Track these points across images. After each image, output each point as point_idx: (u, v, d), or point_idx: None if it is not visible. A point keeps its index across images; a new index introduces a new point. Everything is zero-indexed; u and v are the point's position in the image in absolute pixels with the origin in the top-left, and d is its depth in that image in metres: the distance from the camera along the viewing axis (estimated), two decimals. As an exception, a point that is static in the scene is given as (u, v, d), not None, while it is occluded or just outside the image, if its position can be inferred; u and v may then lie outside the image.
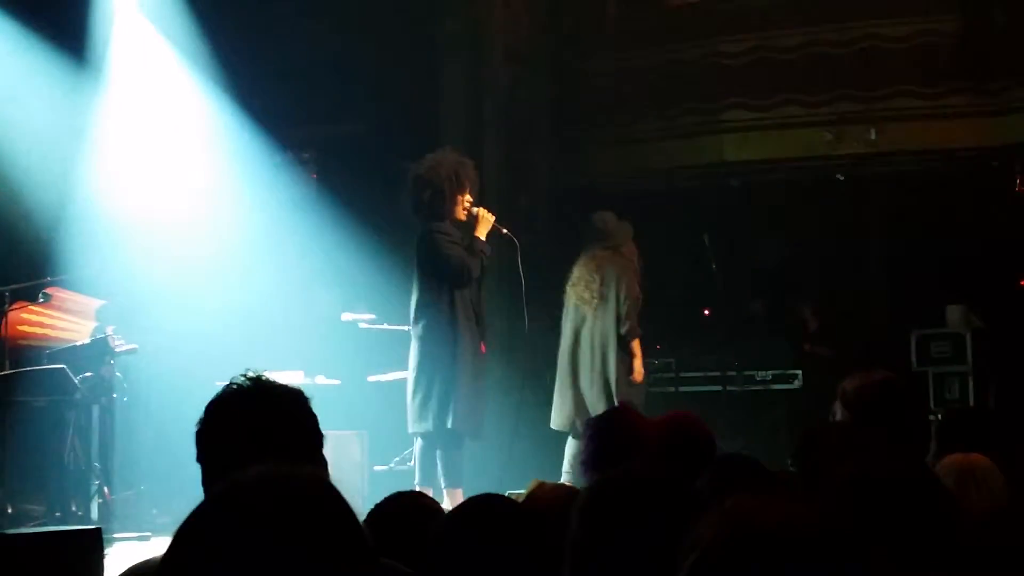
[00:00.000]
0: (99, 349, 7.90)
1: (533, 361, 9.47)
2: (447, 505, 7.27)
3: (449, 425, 7.46)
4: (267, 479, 1.36)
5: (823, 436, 3.65)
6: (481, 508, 2.50)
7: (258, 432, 2.45)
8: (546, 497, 3.14)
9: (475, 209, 7.54)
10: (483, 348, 7.49)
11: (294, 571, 1.28)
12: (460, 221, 7.55)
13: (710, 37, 11.47)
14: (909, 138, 10.99)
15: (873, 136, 10.92)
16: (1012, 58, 10.66)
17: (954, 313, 10.22)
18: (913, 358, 10.14)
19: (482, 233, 7.52)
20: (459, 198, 7.50)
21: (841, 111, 11.04)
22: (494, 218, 7.57)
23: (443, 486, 7.38)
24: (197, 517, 1.35)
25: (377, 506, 3.05)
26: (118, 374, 8.06)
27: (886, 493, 2.59)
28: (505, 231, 7.63)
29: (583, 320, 8.63)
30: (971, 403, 9.69)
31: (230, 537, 1.29)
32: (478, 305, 7.50)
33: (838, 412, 4.37)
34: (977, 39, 10.73)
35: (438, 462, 7.41)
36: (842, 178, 11.49)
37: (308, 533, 1.30)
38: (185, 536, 1.34)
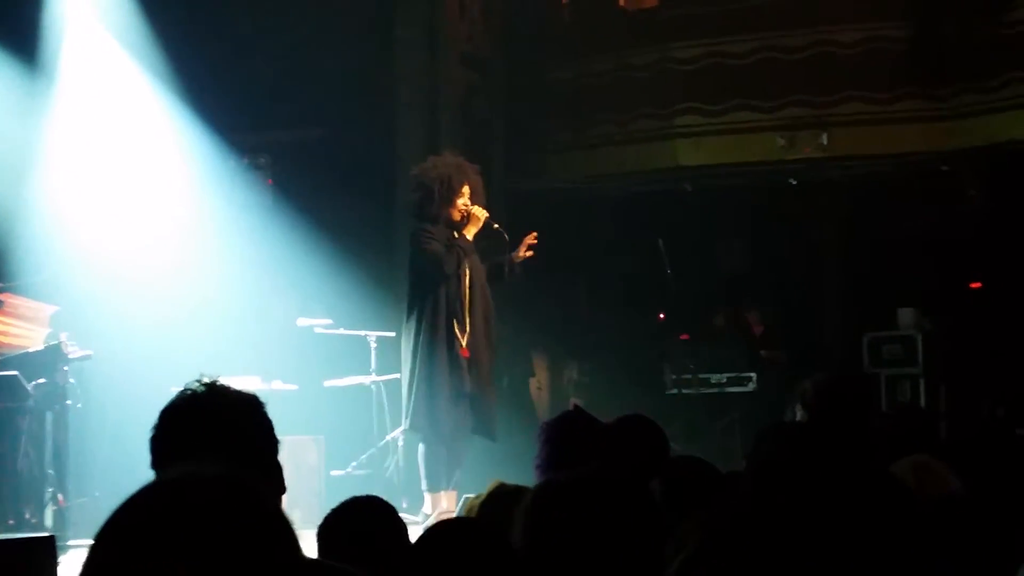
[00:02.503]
0: (52, 355, 7.83)
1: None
2: (427, 510, 7.29)
3: (407, 426, 7.57)
4: (179, 482, 1.36)
5: (778, 435, 3.69)
6: (445, 537, 2.51)
7: (212, 438, 2.46)
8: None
9: (470, 208, 7.54)
10: (464, 352, 7.45)
11: (208, 572, 1.29)
12: (456, 223, 7.55)
13: (663, 43, 11.54)
14: (860, 143, 11.09)
15: (825, 141, 11.02)
16: (961, 63, 10.78)
17: (906, 316, 10.34)
18: (865, 360, 10.24)
19: (470, 232, 7.50)
20: (453, 200, 7.51)
21: (793, 116, 11.13)
22: (486, 216, 7.55)
23: (422, 488, 7.45)
24: (116, 518, 1.35)
25: (333, 511, 3.06)
26: (72, 380, 7.99)
27: (845, 492, 2.62)
28: (496, 226, 7.61)
29: None
30: (922, 405, 9.80)
31: (142, 541, 1.30)
32: (459, 306, 7.49)
33: (797, 412, 4.41)
34: (926, 45, 10.84)
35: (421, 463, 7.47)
36: (795, 182, 11.59)
37: (221, 534, 1.30)
38: (99, 542, 1.35)
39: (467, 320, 7.48)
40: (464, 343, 7.44)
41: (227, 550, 1.29)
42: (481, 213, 7.52)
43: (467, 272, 7.51)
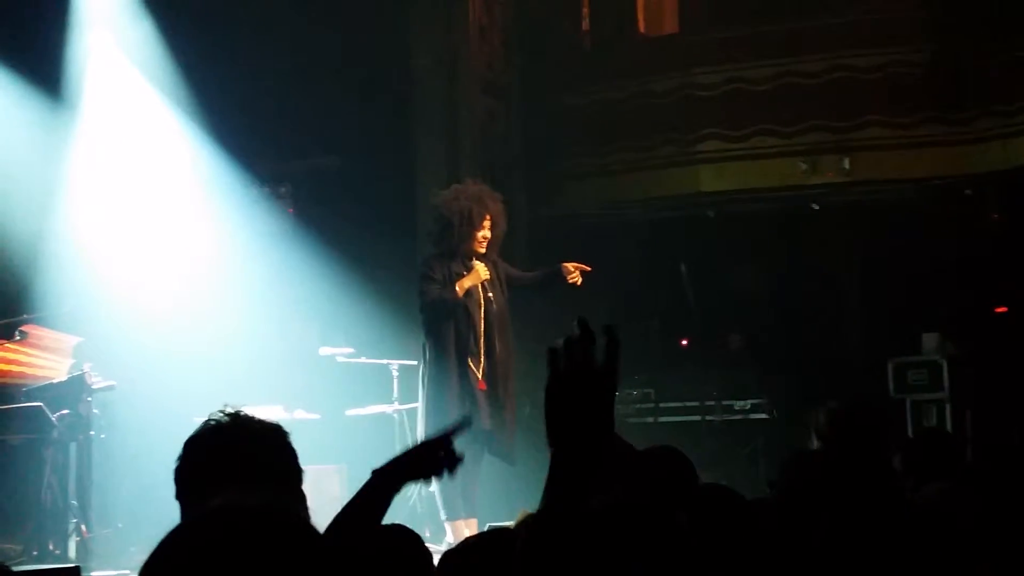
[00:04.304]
0: (76, 386, 7.86)
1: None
2: (450, 539, 7.26)
3: None
4: (228, 512, 1.36)
5: (802, 464, 3.66)
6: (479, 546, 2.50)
7: (237, 468, 2.44)
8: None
9: (475, 263, 7.46)
10: (481, 385, 7.38)
11: None
12: (477, 253, 7.51)
13: (684, 69, 11.55)
14: (882, 167, 11.07)
15: (847, 166, 11.00)
16: (980, 87, 10.77)
17: (930, 341, 10.27)
18: (890, 386, 10.17)
19: (462, 288, 7.40)
20: (473, 233, 7.47)
21: (815, 141, 11.12)
22: (486, 276, 7.44)
23: (441, 518, 7.42)
24: (160, 551, 1.35)
25: (356, 540, 3.04)
26: (96, 411, 8.01)
27: (868, 521, 2.60)
28: (491, 295, 7.53)
29: None
30: (949, 430, 9.72)
31: (192, 571, 1.30)
32: (473, 339, 7.43)
33: (814, 442, 4.39)
34: (946, 69, 10.84)
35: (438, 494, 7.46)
36: (817, 207, 11.57)
37: (269, 565, 1.30)
38: (149, 571, 1.35)
39: (482, 352, 7.43)
40: (480, 375, 7.40)
41: None
42: (483, 272, 7.46)
43: (481, 304, 7.47)
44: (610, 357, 1.72)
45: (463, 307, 7.39)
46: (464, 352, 7.38)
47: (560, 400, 1.73)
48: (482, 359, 7.41)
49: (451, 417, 7.27)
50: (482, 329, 7.45)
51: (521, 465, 7.70)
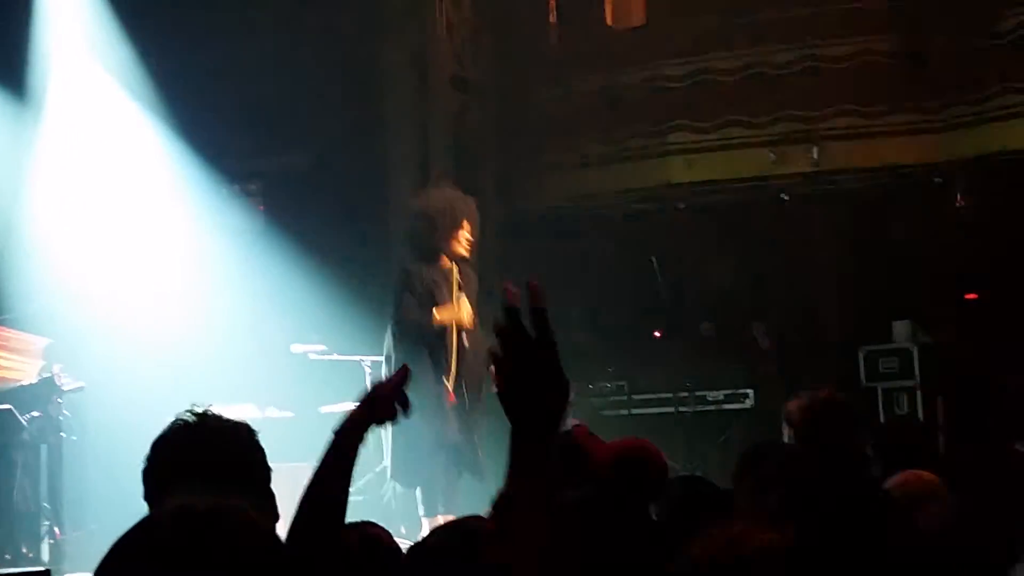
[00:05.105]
0: (46, 388, 7.81)
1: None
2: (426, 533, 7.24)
3: (389, 474, 7.54)
4: (180, 513, 1.36)
5: (763, 456, 3.67)
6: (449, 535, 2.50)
7: (204, 468, 2.43)
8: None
9: (462, 300, 7.36)
10: (451, 398, 7.29)
11: None
12: (457, 256, 7.46)
13: (653, 61, 11.56)
14: (851, 156, 11.11)
15: (816, 155, 11.03)
16: (950, 75, 10.81)
17: (900, 328, 10.31)
18: (861, 374, 10.21)
19: (440, 317, 7.29)
20: (456, 232, 7.41)
21: (783, 131, 11.15)
22: (465, 318, 7.35)
23: (420, 514, 7.42)
24: (112, 554, 1.35)
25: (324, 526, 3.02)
26: (66, 413, 7.96)
27: (833, 511, 2.60)
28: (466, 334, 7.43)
29: None
30: (920, 418, 9.76)
31: (144, 572, 1.29)
32: (442, 350, 7.36)
33: (785, 433, 4.41)
34: (916, 57, 10.87)
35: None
36: (787, 197, 11.59)
37: (215, 567, 1.29)
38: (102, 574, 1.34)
39: (452, 364, 7.36)
40: (451, 387, 7.32)
41: None
42: (465, 316, 7.31)
43: (455, 330, 7.40)
44: (540, 328, 1.72)
45: (437, 331, 7.31)
46: (434, 364, 7.28)
47: (512, 384, 1.72)
48: (452, 371, 7.33)
49: (420, 431, 7.13)
50: (455, 349, 7.35)
51: (500, 464, 7.68)
